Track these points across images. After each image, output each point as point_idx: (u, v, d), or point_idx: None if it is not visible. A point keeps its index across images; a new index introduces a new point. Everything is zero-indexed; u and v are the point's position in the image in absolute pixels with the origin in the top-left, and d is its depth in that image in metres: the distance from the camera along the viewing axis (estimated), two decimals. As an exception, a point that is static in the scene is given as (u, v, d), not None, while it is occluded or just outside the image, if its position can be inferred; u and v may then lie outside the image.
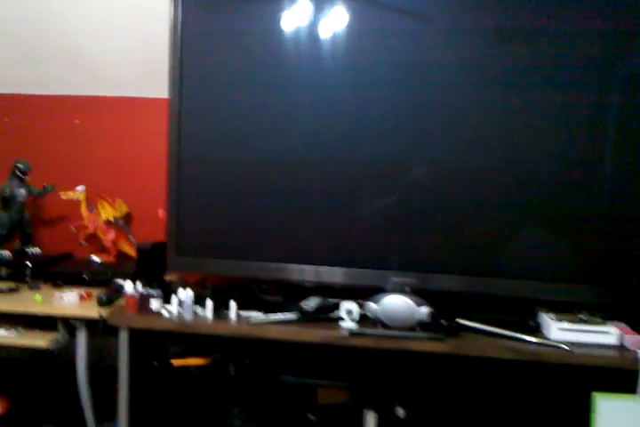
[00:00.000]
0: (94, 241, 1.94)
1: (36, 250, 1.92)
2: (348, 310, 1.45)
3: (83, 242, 1.87)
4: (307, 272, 1.54)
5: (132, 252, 1.89)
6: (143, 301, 1.47)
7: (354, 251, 1.54)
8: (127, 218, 1.99)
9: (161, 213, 1.80)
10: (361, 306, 1.49)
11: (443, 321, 1.40)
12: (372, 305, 1.45)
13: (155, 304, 1.47)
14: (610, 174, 1.46)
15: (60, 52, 1.95)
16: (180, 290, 1.50)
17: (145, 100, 1.98)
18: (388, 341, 1.38)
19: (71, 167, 2.04)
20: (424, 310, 1.42)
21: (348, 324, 1.45)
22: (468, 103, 1.49)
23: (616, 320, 1.48)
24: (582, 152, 1.46)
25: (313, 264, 1.53)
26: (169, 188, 1.59)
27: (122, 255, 1.91)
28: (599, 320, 1.44)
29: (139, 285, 1.51)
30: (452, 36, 1.49)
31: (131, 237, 1.91)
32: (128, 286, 1.51)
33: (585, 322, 1.42)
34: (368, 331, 1.40)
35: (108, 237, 1.86)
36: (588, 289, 1.46)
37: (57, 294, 1.58)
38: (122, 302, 1.54)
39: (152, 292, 1.47)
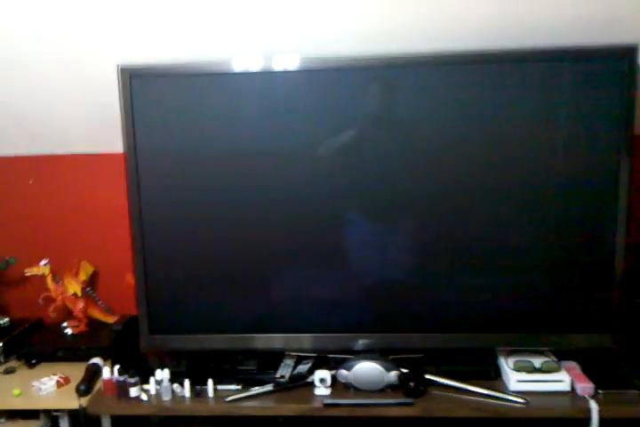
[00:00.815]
0: (64, 307, 1.96)
1: (4, 321, 1.93)
2: (321, 379, 1.52)
3: (52, 314, 1.88)
4: (276, 341, 1.60)
5: (103, 317, 1.92)
6: (121, 387, 1.52)
7: (319, 317, 1.60)
8: (94, 278, 2.01)
9: (129, 277, 1.83)
10: (334, 364, 1.58)
11: (411, 384, 1.49)
12: (343, 372, 1.53)
13: (133, 391, 1.51)
14: (551, 229, 1.54)
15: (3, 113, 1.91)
16: (158, 371, 1.56)
17: (98, 156, 1.97)
18: (361, 409, 1.47)
19: (30, 229, 2.03)
20: (393, 374, 1.51)
21: (321, 391, 1.53)
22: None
23: (569, 360, 1.60)
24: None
25: (282, 333, 1.60)
26: (134, 254, 1.60)
27: (94, 321, 1.93)
28: (553, 365, 1.54)
29: (115, 367, 1.56)
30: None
31: (100, 303, 1.93)
32: (105, 371, 1.55)
33: (540, 371, 1.53)
34: (341, 402, 1.48)
35: (77, 307, 1.88)
36: (543, 337, 1.57)
37: (35, 384, 1.61)
38: (100, 384, 1.59)
39: (129, 380, 1.51)
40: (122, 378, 1.52)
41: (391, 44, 1.54)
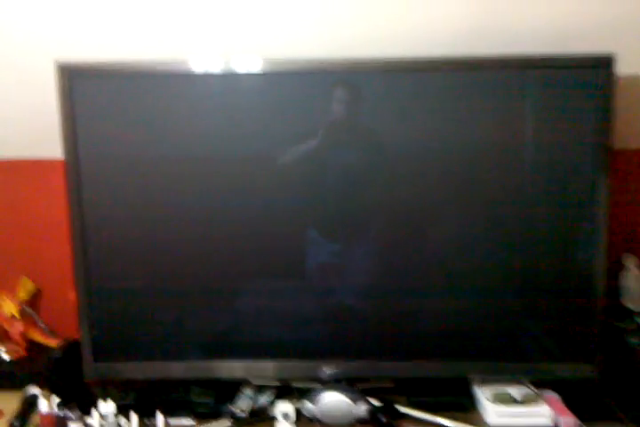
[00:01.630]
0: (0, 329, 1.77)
1: None
2: (284, 414, 1.39)
3: (-14, 338, 1.70)
4: (235, 368, 1.46)
5: (45, 341, 1.74)
6: (60, 423, 1.35)
7: (281, 343, 1.47)
8: (36, 296, 1.83)
9: (72, 295, 1.67)
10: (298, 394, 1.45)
11: (383, 419, 1.37)
12: (308, 405, 1.40)
13: (73, 427, 1.35)
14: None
15: None
16: (101, 403, 1.40)
17: (38, 162, 1.78)
18: (328, 447, 1.34)
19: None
20: (361, 407, 1.38)
21: (284, 426, 1.40)
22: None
23: (548, 389, 1.50)
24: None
25: (242, 359, 1.46)
26: (75, 269, 1.45)
27: (34, 345, 1.76)
28: (533, 396, 1.45)
29: (54, 400, 1.39)
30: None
31: (42, 324, 1.75)
32: (42, 404, 1.39)
33: (519, 402, 1.43)
34: (306, 440, 1.35)
35: (15, 330, 1.69)
36: (521, 366, 1.48)
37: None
38: (37, 418, 1.42)
39: (69, 415, 1.35)
40: (61, 413, 1.36)
41: (360, 49, 1.43)
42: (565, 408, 1.43)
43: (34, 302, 1.81)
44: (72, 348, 1.51)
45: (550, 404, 1.44)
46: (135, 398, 1.46)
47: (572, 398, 1.47)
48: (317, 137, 1.40)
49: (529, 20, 1.46)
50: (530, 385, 1.48)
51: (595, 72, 1.35)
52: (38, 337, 1.75)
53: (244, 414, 1.41)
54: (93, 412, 1.38)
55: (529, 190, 1.44)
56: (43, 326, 1.76)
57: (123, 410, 1.41)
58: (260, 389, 1.50)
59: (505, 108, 1.40)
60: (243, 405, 1.44)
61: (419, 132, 1.42)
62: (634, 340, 1.59)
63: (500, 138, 1.41)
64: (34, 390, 1.50)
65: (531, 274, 1.46)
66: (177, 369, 1.46)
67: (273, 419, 1.40)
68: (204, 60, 1.35)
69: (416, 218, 1.46)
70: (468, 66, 1.37)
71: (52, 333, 1.77)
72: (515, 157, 1.42)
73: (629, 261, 1.64)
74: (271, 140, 1.42)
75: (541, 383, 1.50)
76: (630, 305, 1.65)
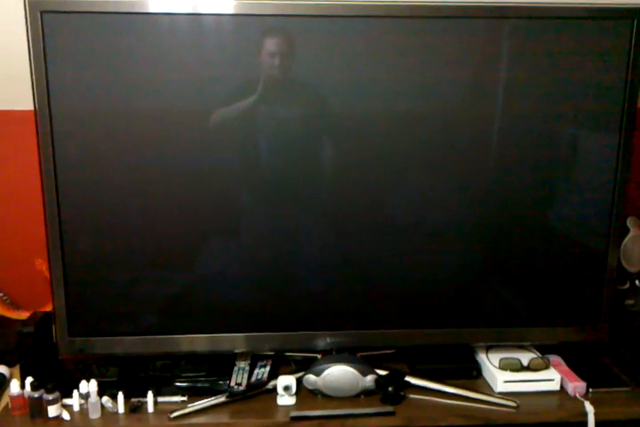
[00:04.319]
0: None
1: None
2: (286, 386, 1.29)
3: (-59, 310, 1.51)
4: (230, 340, 1.35)
5: (7, 313, 1.57)
6: (35, 405, 1.21)
7: (284, 313, 1.37)
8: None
9: (39, 263, 1.51)
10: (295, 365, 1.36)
11: (389, 389, 1.29)
12: (311, 377, 1.30)
13: (52, 410, 1.20)
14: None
15: None
16: (82, 382, 1.26)
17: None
18: (335, 421, 1.25)
19: None
20: (369, 378, 1.30)
21: (286, 400, 1.29)
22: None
23: (552, 354, 1.46)
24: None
25: (239, 332, 1.35)
26: (48, 234, 1.27)
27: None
28: (542, 362, 1.40)
29: (27, 380, 1.24)
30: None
31: (2, 295, 1.58)
32: (13, 384, 1.23)
33: (528, 369, 1.38)
34: (311, 413, 1.25)
35: (-27, 302, 1.52)
36: (527, 331, 1.43)
37: None
38: (6, 401, 1.27)
39: (47, 397, 1.20)
40: (36, 394, 1.21)
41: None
42: (572, 373, 1.39)
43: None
44: (42, 322, 1.35)
45: (557, 368, 1.40)
46: (118, 376, 1.32)
47: (574, 362, 1.44)
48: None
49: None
50: (534, 350, 1.44)
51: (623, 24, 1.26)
52: (1, 310, 1.58)
53: (241, 389, 1.30)
54: (73, 392, 1.25)
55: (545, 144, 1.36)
56: (4, 297, 1.58)
57: (106, 389, 1.28)
58: (253, 361, 1.40)
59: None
60: (238, 378, 1.33)
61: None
62: (630, 301, 1.57)
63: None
64: (1, 369, 1.35)
65: (536, 238, 1.40)
66: (163, 343, 1.33)
67: (272, 392, 1.31)
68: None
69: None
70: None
71: (13, 304, 1.60)
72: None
73: (631, 223, 1.60)
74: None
75: (542, 347, 1.47)
76: (627, 266, 1.62)
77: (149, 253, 1.34)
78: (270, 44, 1.24)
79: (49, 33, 1.18)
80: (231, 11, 1.21)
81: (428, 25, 1.26)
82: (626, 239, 1.60)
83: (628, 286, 1.58)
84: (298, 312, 1.38)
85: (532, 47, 1.29)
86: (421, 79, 1.30)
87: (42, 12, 1.17)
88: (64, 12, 1.19)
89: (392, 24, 1.25)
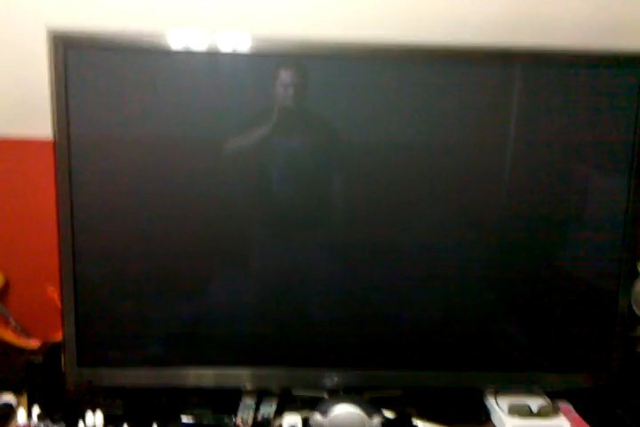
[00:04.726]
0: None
1: None
2: (291, 426, 1.28)
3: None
4: (238, 376, 1.34)
5: (17, 341, 1.57)
6: (42, 437, 1.21)
7: (291, 347, 1.37)
8: (5, 290, 1.66)
9: (50, 290, 1.52)
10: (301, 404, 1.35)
11: (397, 432, 1.29)
12: (317, 417, 1.29)
13: (57, 442, 1.21)
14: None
15: None
16: (88, 414, 1.26)
17: (16, 142, 1.59)
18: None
19: None
20: (376, 421, 1.29)
21: (291, 440, 1.29)
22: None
23: (561, 399, 1.44)
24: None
25: (243, 366, 1.35)
26: (61, 261, 1.28)
27: (3, 346, 1.59)
28: (551, 408, 1.38)
29: (34, 410, 1.25)
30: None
31: (13, 323, 1.59)
32: (20, 415, 1.24)
33: (537, 415, 1.37)
34: (321, 458, 1.24)
35: (-16, 329, 1.53)
36: (537, 376, 1.42)
37: None
38: (13, 429, 1.27)
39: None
40: (42, 425, 1.21)
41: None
42: (582, 420, 1.38)
43: (2, 297, 1.65)
44: (52, 351, 1.36)
45: (566, 416, 1.38)
46: (124, 408, 1.32)
47: (582, 408, 1.43)
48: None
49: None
50: (544, 395, 1.43)
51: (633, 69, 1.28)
52: (9, 337, 1.58)
53: (245, 426, 1.29)
54: (79, 424, 1.25)
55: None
56: (14, 324, 1.59)
57: (111, 422, 1.28)
58: (259, 397, 1.39)
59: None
60: (244, 415, 1.32)
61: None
62: (640, 348, 1.55)
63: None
64: (8, 399, 1.35)
65: (546, 280, 1.39)
66: (171, 376, 1.33)
67: (277, 433, 1.30)
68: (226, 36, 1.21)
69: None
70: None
71: (24, 332, 1.61)
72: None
73: (642, 267, 1.60)
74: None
75: (552, 393, 1.45)
76: (639, 312, 1.61)
77: (160, 284, 1.34)
78: (285, 76, 1.27)
79: (71, 65, 1.21)
80: (248, 50, 1.23)
81: (441, 66, 1.29)
82: (637, 284, 1.61)
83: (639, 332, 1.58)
84: (305, 347, 1.37)
85: (543, 88, 1.31)
86: (434, 117, 1.31)
87: (65, 44, 1.20)
88: (87, 44, 1.22)
89: (407, 64, 1.28)
